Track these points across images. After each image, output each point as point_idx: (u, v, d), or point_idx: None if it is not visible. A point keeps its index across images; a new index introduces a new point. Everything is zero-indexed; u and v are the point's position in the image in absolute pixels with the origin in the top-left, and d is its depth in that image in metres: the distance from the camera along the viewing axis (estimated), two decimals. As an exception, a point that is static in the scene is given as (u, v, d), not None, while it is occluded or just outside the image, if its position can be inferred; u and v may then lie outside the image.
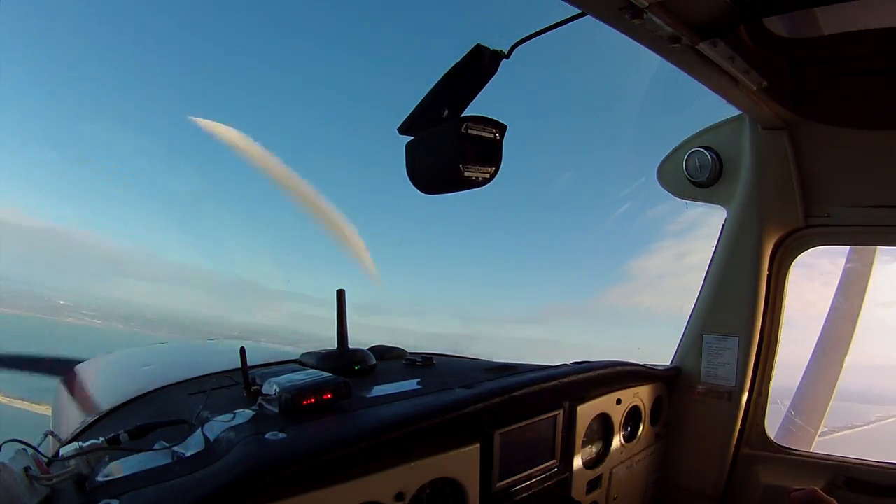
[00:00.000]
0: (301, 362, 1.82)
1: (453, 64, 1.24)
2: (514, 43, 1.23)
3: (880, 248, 3.45)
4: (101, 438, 1.10)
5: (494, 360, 2.08)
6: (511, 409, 1.45)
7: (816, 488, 1.50)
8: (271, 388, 1.28)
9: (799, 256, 2.05)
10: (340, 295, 1.79)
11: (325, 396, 1.28)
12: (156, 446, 1.13)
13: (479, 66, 1.22)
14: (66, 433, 1.58)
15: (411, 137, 1.31)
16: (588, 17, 1.13)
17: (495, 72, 1.24)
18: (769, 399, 2.12)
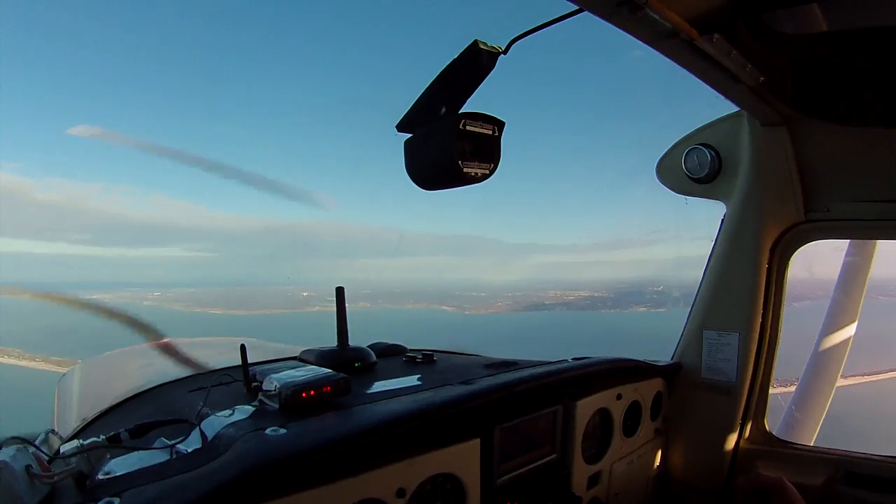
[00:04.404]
0: (301, 359, 1.83)
1: (451, 61, 1.23)
2: (511, 39, 1.22)
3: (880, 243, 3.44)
4: (102, 436, 1.10)
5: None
6: (511, 404, 1.45)
7: (761, 471, 1.50)
8: (271, 384, 1.28)
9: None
10: (340, 292, 1.80)
11: (324, 392, 1.29)
12: (156, 444, 1.13)
13: (476, 63, 1.22)
14: (66, 431, 1.59)
15: (410, 135, 1.31)
16: (586, 12, 1.12)
17: (492, 68, 1.23)
18: (769, 394, 2.12)
